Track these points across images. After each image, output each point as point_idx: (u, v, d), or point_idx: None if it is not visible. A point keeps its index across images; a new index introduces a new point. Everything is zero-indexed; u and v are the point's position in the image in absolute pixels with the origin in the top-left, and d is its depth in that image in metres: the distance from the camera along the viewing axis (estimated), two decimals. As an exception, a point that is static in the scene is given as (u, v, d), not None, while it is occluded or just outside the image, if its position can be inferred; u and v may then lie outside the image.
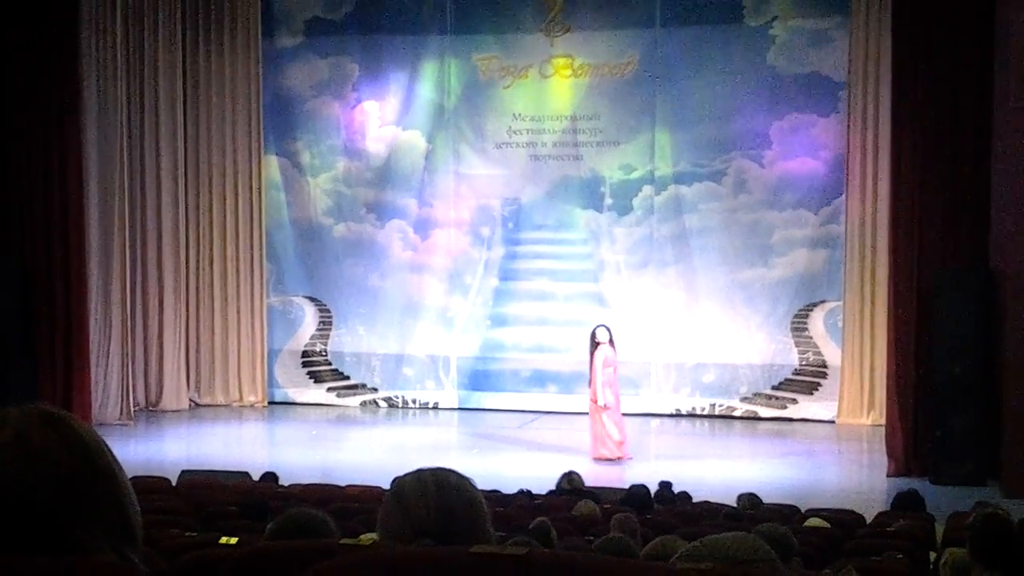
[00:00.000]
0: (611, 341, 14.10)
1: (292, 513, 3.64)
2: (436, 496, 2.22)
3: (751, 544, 2.00)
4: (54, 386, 15.33)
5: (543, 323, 17.65)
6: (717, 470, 13.44)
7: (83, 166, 15.72)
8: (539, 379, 17.68)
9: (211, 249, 18.12)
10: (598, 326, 14.34)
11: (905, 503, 9.56)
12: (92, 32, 16.17)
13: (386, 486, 2.37)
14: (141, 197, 17.47)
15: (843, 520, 8.80)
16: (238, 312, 18.12)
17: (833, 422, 16.42)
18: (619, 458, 13.89)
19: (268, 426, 17.39)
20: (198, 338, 18.18)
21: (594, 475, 11.57)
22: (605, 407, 13.92)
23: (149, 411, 17.54)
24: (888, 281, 14.12)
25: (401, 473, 2.31)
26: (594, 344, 14.08)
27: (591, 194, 17.45)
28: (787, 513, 9.27)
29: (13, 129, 15.39)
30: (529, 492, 10.20)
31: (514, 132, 17.66)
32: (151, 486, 9.38)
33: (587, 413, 15.44)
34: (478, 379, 17.87)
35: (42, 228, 15.45)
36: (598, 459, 13.85)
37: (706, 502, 10.07)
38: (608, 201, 17.39)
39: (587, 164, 17.46)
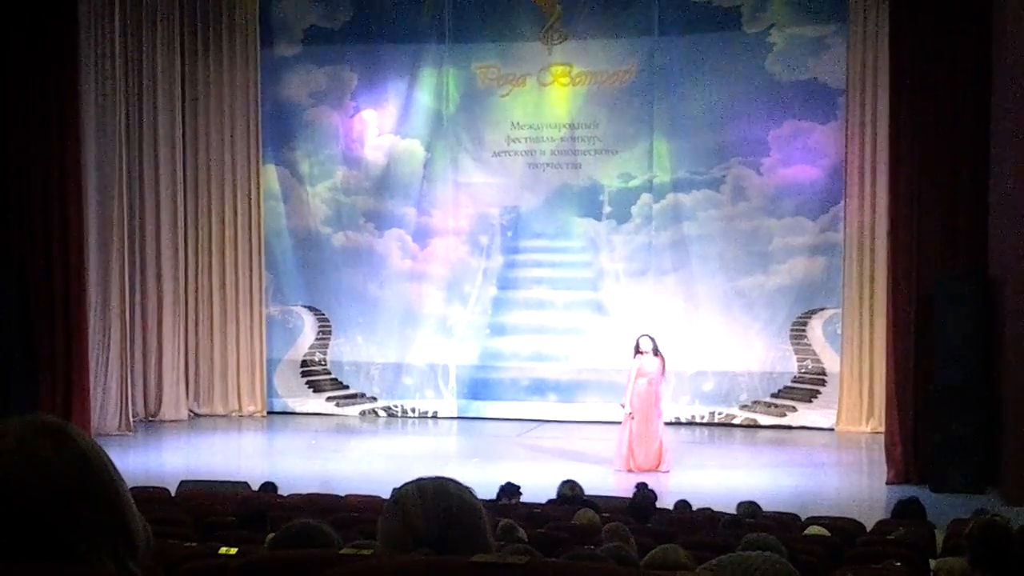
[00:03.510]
0: (655, 351, 13.83)
1: (294, 524, 3.64)
2: (436, 505, 2.22)
3: (777, 565, 1.99)
4: (54, 397, 15.31)
5: (542, 331, 17.65)
6: (717, 478, 13.42)
7: (82, 176, 15.72)
8: (538, 388, 17.68)
9: (210, 259, 18.13)
10: (641, 335, 14.06)
11: (905, 511, 9.55)
12: (91, 41, 16.18)
13: (386, 495, 2.37)
14: (140, 206, 17.48)
15: (843, 528, 8.79)
16: (237, 322, 18.12)
17: (832, 430, 16.42)
18: (628, 470, 13.69)
19: (267, 436, 17.38)
20: (197, 348, 18.17)
21: (594, 484, 11.55)
22: (630, 416, 13.83)
23: (148, 421, 17.53)
24: (887, 288, 14.12)
25: (401, 482, 2.31)
26: (636, 352, 13.96)
27: (590, 202, 17.46)
28: (787, 521, 9.26)
29: (11, 139, 15.39)
30: (515, 486, 10.21)
31: (512, 140, 17.69)
32: (150, 496, 9.37)
33: (589, 422, 15.48)
34: (477, 388, 17.87)
35: (41, 238, 15.44)
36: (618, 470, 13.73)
37: (707, 509, 10.06)
38: (607, 209, 17.40)
39: (585, 172, 17.47)
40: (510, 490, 10.28)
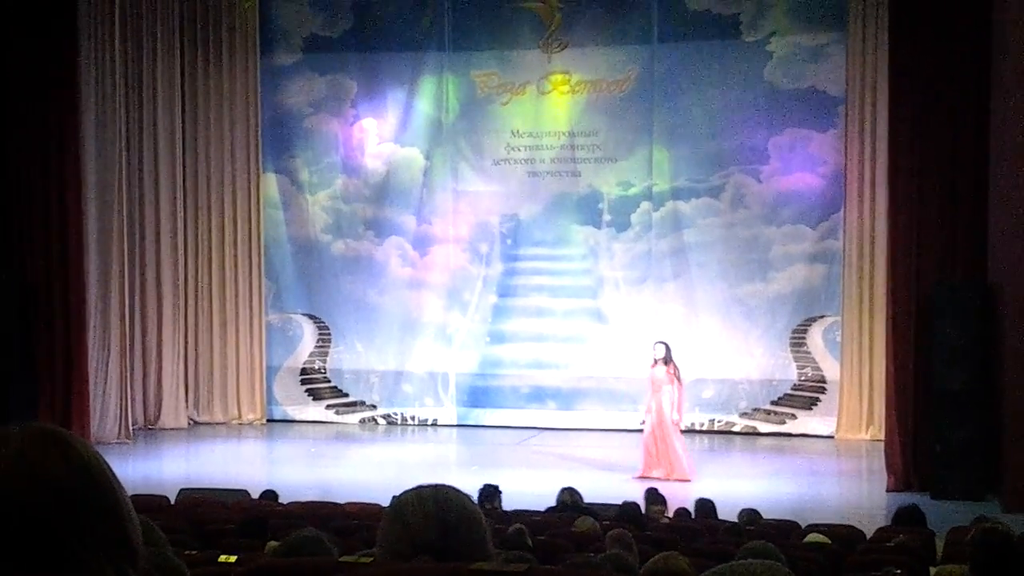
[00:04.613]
0: (666, 359, 13.82)
1: (294, 537, 3.64)
2: (436, 513, 2.22)
3: (777, 572, 1.99)
4: (53, 405, 15.31)
5: (542, 339, 17.65)
6: (717, 486, 13.40)
7: (81, 184, 15.73)
8: (538, 395, 17.67)
9: (209, 267, 18.13)
10: (655, 342, 14.09)
11: (905, 518, 9.54)
12: (91, 50, 16.20)
13: (385, 503, 2.37)
14: (139, 214, 17.49)
15: (843, 535, 8.79)
16: (237, 330, 18.11)
17: (832, 437, 16.41)
18: (642, 476, 13.74)
19: (267, 444, 17.37)
20: (197, 356, 18.17)
21: (593, 491, 11.54)
22: (642, 423, 13.86)
23: (148, 429, 17.51)
24: (886, 295, 14.12)
25: (400, 490, 2.31)
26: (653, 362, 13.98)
27: (589, 210, 17.47)
28: (787, 529, 9.25)
29: (12, 148, 15.40)
30: (493, 487, 10.20)
31: (512, 148, 17.69)
32: (150, 504, 9.36)
33: (588, 430, 15.45)
34: (477, 396, 17.85)
35: (41, 246, 15.45)
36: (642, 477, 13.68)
37: (707, 517, 10.06)
38: (606, 217, 17.41)
39: (585, 180, 17.48)
40: (489, 492, 10.28)
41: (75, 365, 15.57)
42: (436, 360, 17.94)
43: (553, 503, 10.48)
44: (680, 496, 12.21)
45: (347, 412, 18.26)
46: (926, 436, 13.13)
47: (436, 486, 2.30)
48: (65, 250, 15.50)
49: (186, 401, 17.99)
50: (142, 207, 17.53)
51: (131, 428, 16.73)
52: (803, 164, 16.79)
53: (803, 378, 16.91)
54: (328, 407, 18.32)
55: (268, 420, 18.15)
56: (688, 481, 13.53)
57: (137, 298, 17.49)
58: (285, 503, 10.43)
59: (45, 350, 15.42)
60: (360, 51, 18.04)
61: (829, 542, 8.07)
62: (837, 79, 16.48)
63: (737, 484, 13.56)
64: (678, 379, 13.86)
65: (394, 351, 18.09)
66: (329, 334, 18.35)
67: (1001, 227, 12.74)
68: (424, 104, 17.98)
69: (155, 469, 14.83)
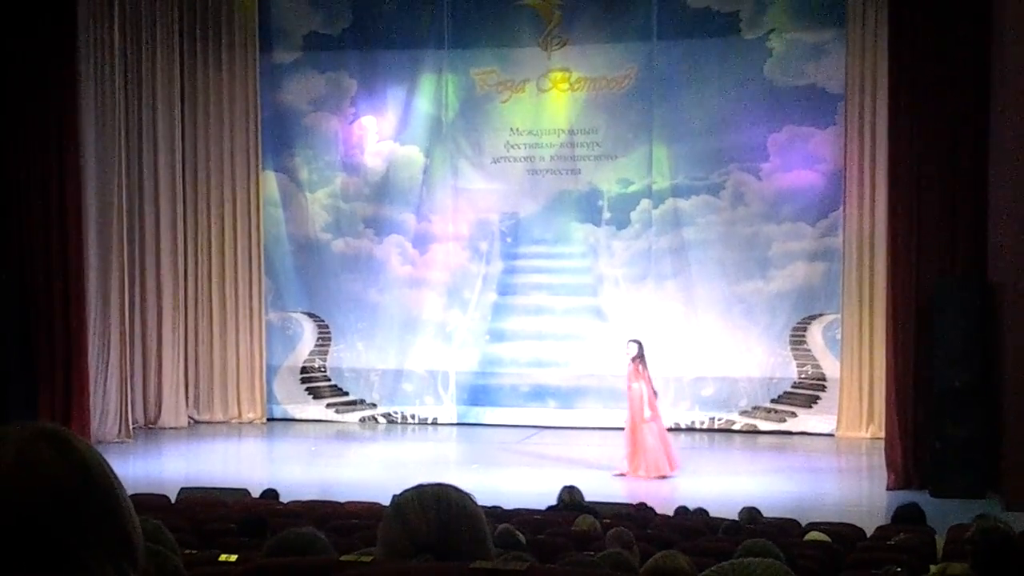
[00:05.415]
0: (635, 357, 13.86)
1: (287, 534, 3.63)
2: (436, 512, 2.22)
3: (777, 571, 1.99)
4: (53, 404, 15.30)
5: (542, 337, 17.64)
6: (717, 484, 13.42)
7: (81, 183, 15.72)
8: (538, 394, 17.66)
9: (209, 265, 18.12)
10: (628, 341, 14.15)
11: (905, 516, 9.55)
12: (90, 48, 16.18)
13: (386, 502, 2.37)
14: (139, 213, 17.48)
15: (843, 534, 8.79)
16: (236, 328, 18.10)
17: (832, 435, 16.41)
18: (621, 474, 13.90)
19: (267, 443, 17.36)
20: (197, 355, 18.16)
21: (594, 490, 11.54)
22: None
23: (148, 428, 17.51)
24: (886, 293, 14.12)
25: (401, 489, 2.31)
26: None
27: (589, 208, 17.46)
28: (787, 527, 9.25)
29: (10, 147, 15.39)
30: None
31: (512, 146, 17.68)
32: (150, 503, 9.36)
33: (588, 428, 15.40)
34: (477, 394, 17.85)
35: (40, 244, 15.44)
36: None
37: (706, 516, 10.05)
38: (606, 215, 17.40)
39: (585, 178, 17.47)
40: None
41: (75, 364, 15.56)
42: (436, 358, 17.94)
43: (553, 501, 10.48)
44: (679, 495, 12.21)
45: (347, 411, 18.26)
46: (926, 434, 13.13)
47: (437, 485, 2.30)
48: (65, 250, 15.49)
49: (186, 400, 17.98)
50: (142, 206, 17.52)
51: (131, 427, 16.73)
52: (803, 161, 16.78)
53: (803, 376, 16.90)
54: (328, 406, 18.32)
55: (268, 419, 18.14)
56: (665, 477, 13.61)
57: (137, 297, 17.49)
58: (285, 502, 10.43)
59: (45, 350, 15.41)
60: (360, 49, 18.03)
61: (829, 540, 8.07)
62: (837, 76, 16.47)
63: (737, 482, 13.57)
64: (644, 376, 13.88)
65: (394, 349, 18.08)
66: (329, 333, 18.34)
67: (1002, 225, 12.74)
68: (423, 102, 17.97)
69: (155, 468, 14.84)
